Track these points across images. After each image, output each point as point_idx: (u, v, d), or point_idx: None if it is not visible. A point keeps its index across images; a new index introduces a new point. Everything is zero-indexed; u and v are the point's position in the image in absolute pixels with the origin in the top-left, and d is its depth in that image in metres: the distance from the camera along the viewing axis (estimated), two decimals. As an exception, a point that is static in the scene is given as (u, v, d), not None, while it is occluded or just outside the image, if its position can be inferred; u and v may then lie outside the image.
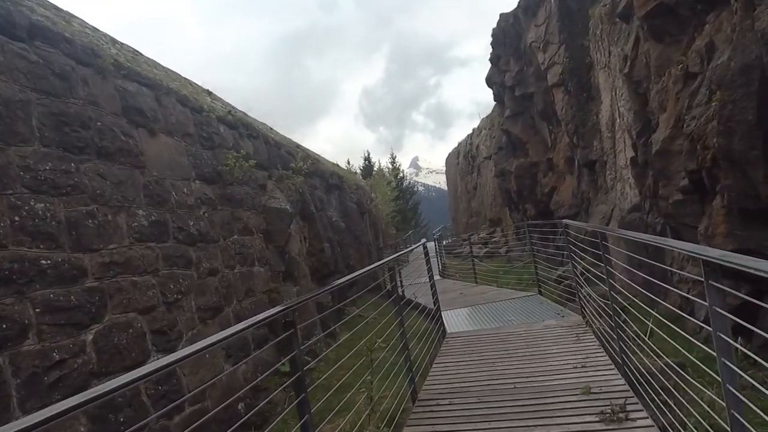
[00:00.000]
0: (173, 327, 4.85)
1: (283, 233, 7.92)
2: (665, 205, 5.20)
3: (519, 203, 14.22)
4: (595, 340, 5.27)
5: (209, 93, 8.13)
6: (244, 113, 9.24)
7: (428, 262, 6.67)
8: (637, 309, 5.44)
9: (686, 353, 3.28)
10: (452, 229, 35.46)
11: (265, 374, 5.38)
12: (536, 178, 12.78)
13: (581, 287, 6.26)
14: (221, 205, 6.50)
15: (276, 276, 7.55)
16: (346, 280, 3.77)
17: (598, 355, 4.78)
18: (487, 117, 25.38)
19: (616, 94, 8.53)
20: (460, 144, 30.90)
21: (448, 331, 6.72)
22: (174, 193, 5.49)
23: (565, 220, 6.35)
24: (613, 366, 4.42)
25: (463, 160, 29.54)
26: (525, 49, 12.33)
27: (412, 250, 7.40)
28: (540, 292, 8.50)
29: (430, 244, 19.69)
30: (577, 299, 6.36)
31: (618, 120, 8.58)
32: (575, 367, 4.53)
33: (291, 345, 2.75)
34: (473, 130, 28.57)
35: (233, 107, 9.18)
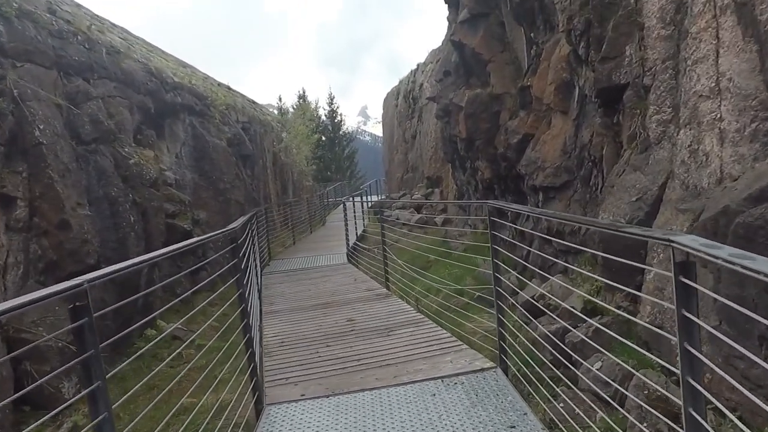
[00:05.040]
0: None
1: None
2: None
3: (468, 158, 9.35)
4: None
5: None
6: None
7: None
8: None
9: None
10: (387, 184, 30.40)
11: None
12: (499, 120, 7.92)
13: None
14: None
15: None
16: None
17: None
18: (435, 49, 20.03)
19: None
20: (401, 82, 25.25)
21: None
22: None
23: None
24: None
25: (402, 101, 24.16)
26: None
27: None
28: (503, 364, 3.77)
29: (354, 206, 14.59)
30: None
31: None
32: None
33: None
34: (417, 65, 23.08)
35: None
